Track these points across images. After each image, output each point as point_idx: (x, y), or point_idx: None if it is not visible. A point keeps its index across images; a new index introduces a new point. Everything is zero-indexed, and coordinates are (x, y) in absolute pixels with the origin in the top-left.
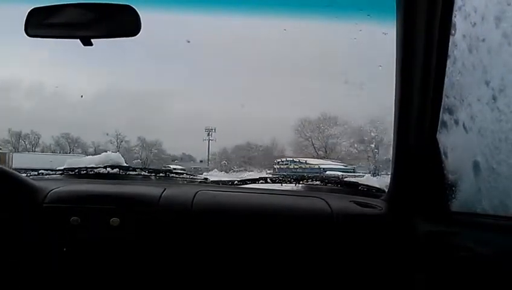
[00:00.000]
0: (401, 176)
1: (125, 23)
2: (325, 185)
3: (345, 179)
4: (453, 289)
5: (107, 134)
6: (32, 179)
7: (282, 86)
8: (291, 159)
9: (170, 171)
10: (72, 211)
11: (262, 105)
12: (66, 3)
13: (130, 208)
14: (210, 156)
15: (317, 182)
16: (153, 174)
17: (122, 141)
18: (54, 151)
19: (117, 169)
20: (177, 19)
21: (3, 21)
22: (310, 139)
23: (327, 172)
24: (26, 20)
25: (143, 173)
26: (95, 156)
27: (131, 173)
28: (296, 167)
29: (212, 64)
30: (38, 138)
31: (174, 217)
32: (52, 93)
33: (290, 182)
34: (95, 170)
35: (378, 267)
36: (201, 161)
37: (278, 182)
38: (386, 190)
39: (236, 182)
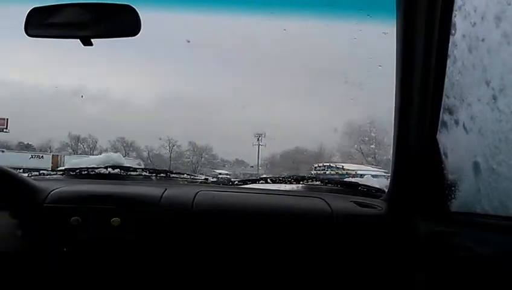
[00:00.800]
0: (401, 176)
1: (125, 23)
2: (325, 185)
3: (345, 179)
4: (453, 289)
5: (160, 138)
6: (33, 179)
7: (328, 91)
8: (328, 164)
9: (171, 171)
10: (72, 211)
11: (311, 109)
12: (66, 3)
13: (131, 208)
14: (260, 161)
15: (317, 182)
16: (153, 174)
17: (174, 146)
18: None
19: (118, 169)
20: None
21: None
22: (357, 144)
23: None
24: (26, 20)
25: (144, 173)
26: (96, 156)
27: (132, 173)
28: (332, 172)
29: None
30: (96, 142)
31: (174, 217)
32: (109, 99)
33: (290, 182)
34: (96, 170)
35: (378, 267)
36: (252, 167)
37: (278, 182)
38: (386, 190)
39: (236, 182)
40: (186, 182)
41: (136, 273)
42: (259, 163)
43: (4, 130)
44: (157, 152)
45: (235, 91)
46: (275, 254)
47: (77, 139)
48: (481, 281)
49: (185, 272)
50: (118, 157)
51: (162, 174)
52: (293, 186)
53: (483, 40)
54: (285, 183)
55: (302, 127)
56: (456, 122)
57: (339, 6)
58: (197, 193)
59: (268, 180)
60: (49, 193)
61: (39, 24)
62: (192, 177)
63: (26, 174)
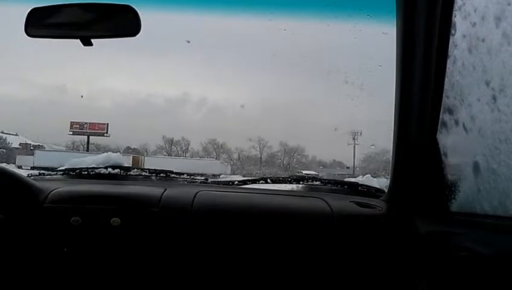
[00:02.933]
0: (401, 176)
1: (125, 23)
2: (325, 185)
3: (345, 179)
4: (453, 289)
5: (250, 140)
6: (33, 179)
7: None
8: None
9: (171, 171)
10: (72, 211)
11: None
12: (66, 3)
13: (131, 209)
14: (356, 162)
15: (317, 183)
16: (153, 174)
17: (264, 147)
18: (201, 157)
19: (118, 169)
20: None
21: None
22: None
23: None
24: (26, 20)
25: (144, 173)
26: (96, 156)
27: (132, 173)
28: None
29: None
30: (188, 144)
31: (174, 218)
32: (204, 104)
33: (290, 183)
34: (96, 171)
35: (378, 267)
36: (347, 167)
37: (278, 183)
38: (386, 190)
39: (236, 182)
40: (186, 182)
41: (136, 274)
42: (355, 163)
43: (105, 134)
44: (248, 153)
45: (326, 89)
46: (275, 254)
47: (171, 142)
48: (481, 281)
49: (185, 272)
50: (117, 158)
51: (162, 174)
52: (293, 187)
53: (483, 40)
54: (285, 183)
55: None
56: (456, 122)
57: (339, 6)
58: (196, 193)
59: (268, 180)
60: (49, 193)
61: (39, 24)
62: (192, 177)
63: (26, 174)
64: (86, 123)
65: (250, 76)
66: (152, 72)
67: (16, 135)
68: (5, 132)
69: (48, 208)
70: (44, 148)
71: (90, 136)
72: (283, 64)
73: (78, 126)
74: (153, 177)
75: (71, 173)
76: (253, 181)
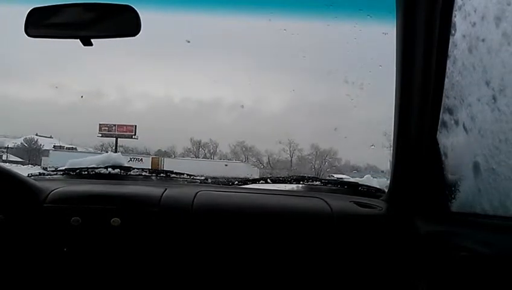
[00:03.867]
0: (401, 176)
1: (125, 23)
2: (325, 185)
3: (345, 180)
4: (453, 289)
5: (280, 142)
6: (33, 179)
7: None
8: None
9: (171, 171)
10: (73, 211)
11: None
12: (66, 3)
13: (131, 209)
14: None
15: (317, 183)
16: (153, 174)
17: (295, 150)
18: (230, 159)
19: (118, 169)
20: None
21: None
22: None
23: None
24: (26, 20)
25: (144, 173)
26: (96, 156)
27: (132, 173)
28: None
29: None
30: (216, 146)
31: (174, 218)
32: (233, 107)
33: (290, 182)
34: (96, 170)
35: (378, 268)
36: (382, 171)
37: (278, 182)
38: (386, 190)
39: (236, 182)
40: (186, 182)
41: (136, 274)
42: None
43: (133, 136)
44: (278, 157)
45: (360, 89)
46: (275, 254)
47: (198, 144)
48: (481, 281)
49: (185, 272)
50: (117, 157)
51: (162, 174)
52: (293, 186)
53: (483, 40)
54: (285, 183)
55: None
56: (456, 122)
57: (339, 6)
58: (197, 193)
59: (268, 180)
60: (49, 193)
61: (39, 24)
62: (192, 177)
63: (26, 174)
64: (114, 125)
65: (280, 75)
66: (181, 75)
67: (50, 137)
68: (39, 134)
69: (48, 208)
70: (77, 150)
71: (119, 138)
72: (315, 64)
73: (106, 128)
74: (153, 177)
75: (71, 173)
76: (253, 181)
